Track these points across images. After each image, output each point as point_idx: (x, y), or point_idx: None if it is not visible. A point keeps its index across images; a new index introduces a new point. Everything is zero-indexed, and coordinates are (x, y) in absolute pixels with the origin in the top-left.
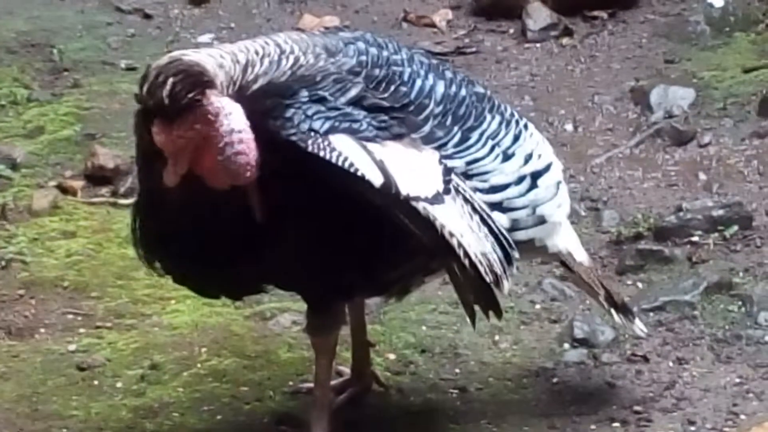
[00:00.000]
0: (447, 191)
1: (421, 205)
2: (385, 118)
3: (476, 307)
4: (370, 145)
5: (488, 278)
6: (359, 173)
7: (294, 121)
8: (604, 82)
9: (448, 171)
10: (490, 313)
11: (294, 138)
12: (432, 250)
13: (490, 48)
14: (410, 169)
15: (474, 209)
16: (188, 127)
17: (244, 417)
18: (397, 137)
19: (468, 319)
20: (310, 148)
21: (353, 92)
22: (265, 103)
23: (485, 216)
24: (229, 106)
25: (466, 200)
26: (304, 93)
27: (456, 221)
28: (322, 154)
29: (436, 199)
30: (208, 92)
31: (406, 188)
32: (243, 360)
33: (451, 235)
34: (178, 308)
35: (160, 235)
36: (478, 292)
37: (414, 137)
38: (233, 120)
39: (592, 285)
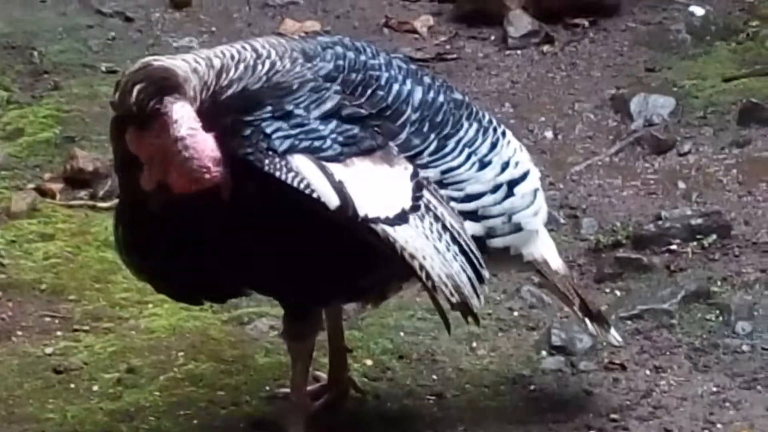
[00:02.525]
0: (415, 209)
1: (380, 227)
2: (356, 132)
3: (454, 313)
4: (331, 166)
5: (453, 299)
6: (315, 195)
7: (252, 139)
8: (584, 90)
9: (419, 187)
10: (469, 318)
11: (251, 157)
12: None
13: (470, 54)
14: (372, 189)
15: (444, 227)
16: (156, 134)
17: (221, 422)
18: (366, 152)
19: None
20: (266, 168)
21: (329, 104)
22: (226, 120)
23: (455, 234)
24: (178, 112)
25: (436, 218)
26: (268, 108)
27: (418, 243)
28: (278, 174)
29: (400, 218)
30: (165, 99)
31: (364, 209)
32: (220, 364)
33: (412, 257)
34: (156, 312)
35: (141, 241)
36: (451, 305)
37: (387, 150)
38: (180, 127)
39: (567, 294)
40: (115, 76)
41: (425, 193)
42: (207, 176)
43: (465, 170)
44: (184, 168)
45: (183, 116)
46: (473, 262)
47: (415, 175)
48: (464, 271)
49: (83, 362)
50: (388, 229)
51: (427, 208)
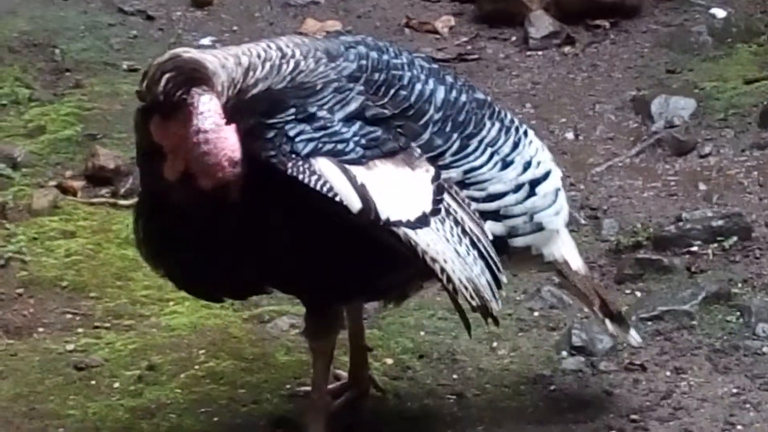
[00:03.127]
0: (435, 212)
1: (401, 231)
2: (379, 134)
3: (473, 315)
4: (353, 169)
5: (473, 303)
6: (338, 198)
7: (275, 142)
8: (605, 91)
9: (440, 190)
10: (489, 320)
11: (274, 160)
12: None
13: (491, 55)
14: (394, 192)
15: (464, 231)
16: (181, 123)
17: (241, 419)
18: (388, 155)
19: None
20: (289, 171)
21: (353, 106)
22: (250, 121)
23: (475, 239)
24: (205, 105)
25: (456, 222)
26: (291, 111)
27: (439, 246)
28: (301, 177)
29: (421, 221)
30: (193, 90)
31: (386, 213)
32: (240, 362)
33: (433, 260)
34: (177, 310)
35: (162, 236)
36: (471, 308)
37: (409, 152)
38: (204, 120)
39: (587, 294)
40: (136, 74)
41: (446, 196)
42: (219, 174)
43: (487, 170)
44: (199, 162)
45: (209, 109)
46: (491, 266)
47: (436, 177)
48: (483, 275)
49: (104, 359)
50: (410, 232)
51: (447, 212)
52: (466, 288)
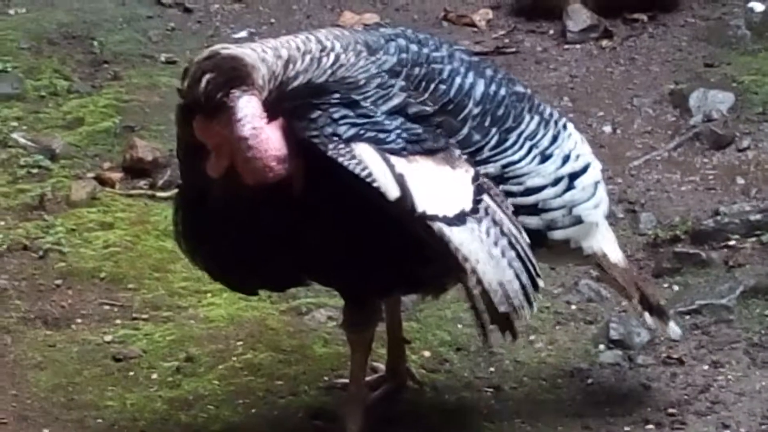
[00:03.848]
0: (474, 211)
1: (437, 225)
2: (420, 132)
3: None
4: (393, 158)
5: (502, 308)
6: (375, 184)
7: (318, 123)
8: (643, 85)
9: (480, 190)
10: (506, 333)
11: (315, 140)
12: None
13: (529, 48)
14: (433, 186)
15: (502, 232)
16: (224, 124)
17: (279, 411)
18: (429, 152)
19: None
20: (329, 153)
21: (395, 101)
22: (294, 102)
23: (513, 240)
24: (243, 109)
25: (494, 222)
26: (336, 95)
27: (473, 246)
28: (340, 159)
29: (458, 219)
30: (231, 93)
31: (423, 205)
32: (278, 354)
33: (465, 259)
34: (214, 301)
35: (202, 229)
36: (493, 316)
37: (450, 152)
38: (243, 127)
39: (626, 287)
40: (174, 66)
41: (485, 197)
42: (270, 174)
43: (526, 164)
44: (248, 165)
45: (247, 114)
46: (529, 269)
47: (476, 178)
48: (518, 278)
49: (142, 350)
50: (445, 228)
51: (486, 212)
52: (496, 292)
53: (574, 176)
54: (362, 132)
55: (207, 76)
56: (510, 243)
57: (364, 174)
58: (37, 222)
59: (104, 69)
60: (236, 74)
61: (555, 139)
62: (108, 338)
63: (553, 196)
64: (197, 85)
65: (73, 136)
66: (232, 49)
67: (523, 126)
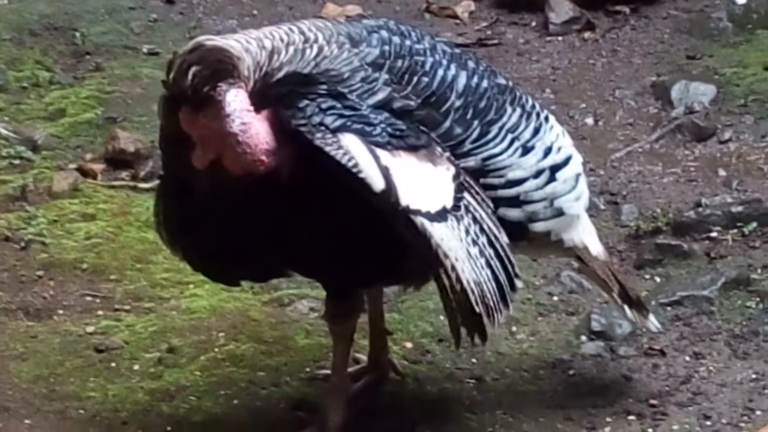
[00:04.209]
0: (455, 209)
1: (419, 220)
2: (404, 128)
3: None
4: (378, 151)
5: (478, 309)
6: (361, 175)
7: (306, 112)
8: (625, 77)
9: (461, 188)
10: (475, 336)
11: (303, 129)
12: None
13: (511, 40)
14: (416, 181)
15: (481, 230)
16: (210, 117)
17: (261, 402)
18: (411, 149)
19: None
20: (316, 142)
21: (380, 95)
22: (281, 90)
23: (492, 237)
24: (231, 104)
25: (474, 220)
26: (324, 86)
27: (453, 243)
28: (327, 149)
29: (439, 215)
30: (218, 87)
31: (406, 199)
32: (260, 345)
33: (446, 256)
34: (197, 293)
35: (184, 220)
36: (465, 316)
37: (431, 149)
38: (232, 122)
39: (606, 280)
40: (156, 58)
41: (466, 195)
42: (261, 167)
43: (507, 156)
44: (239, 159)
45: (236, 109)
46: (507, 268)
47: (457, 176)
48: (495, 278)
49: (124, 341)
50: (426, 223)
51: (467, 210)
52: (473, 291)
53: (555, 168)
54: (349, 123)
55: (193, 69)
56: (489, 241)
57: (350, 164)
58: (19, 213)
59: (86, 60)
60: (222, 66)
61: (537, 131)
62: (90, 329)
63: (535, 188)
64: (183, 77)
65: (55, 128)
66: (217, 41)
67: (504, 118)
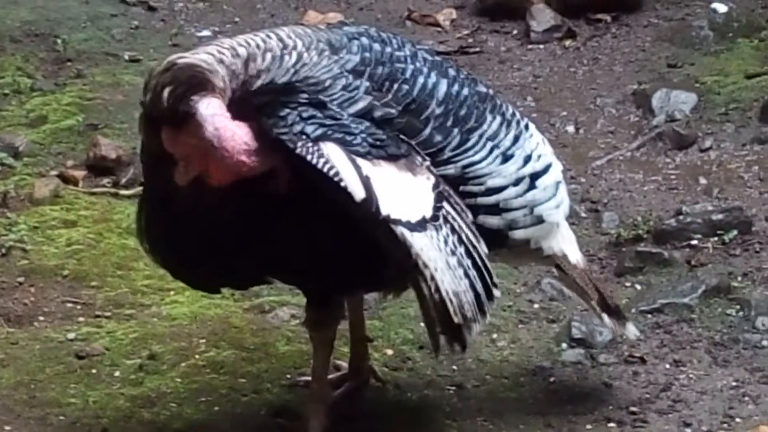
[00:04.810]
0: (434, 218)
1: (399, 230)
2: (384, 137)
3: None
4: (359, 160)
5: (456, 319)
6: (342, 184)
7: (287, 120)
8: (606, 85)
9: (440, 198)
10: (455, 344)
11: (284, 137)
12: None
13: (493, 48)
14: (397, 190)
15: (460, 240)
16: (191, 133)
17: (242, 409)
18: (392, 158)
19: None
20: (298, 150)
21: (361, 104)
22: (262, 100)
23: (471, 248)
24: (204, 112)
25: (453, 230)
26: (304, 95)
27: (432, 254)
28: (309, 158)
29: (419, 225)
30: (192, 101)
31: (387, 209)
32: (241, 352)
33: (425, 266)
34: (177, 299)
35: (164, 230)
36: (444, 325)
37: (411, 159)
38: (206, 129)
39: (585, 288)
40: (137, 64)
41: (445, 204)
42: (244, 169)
43: (487, 164)
44: (220, 164)
45: (208, 114)
46: (485, 277)
47: (437, 186)
48: (473, 288)
49: (105, 348)
50: (407, 233)
51: (446, 220)
52: (451, 301)
53: (535, 176)
54: (330, 132)
55: (167, 90)
56: (467, 251)
57: (331, 173)
58: (0, 220)
59: (68, 67)
60: (195, 82)
61: (517, 139)
62: (71, 336)
63: (515, 195)
64: (159, 99)
65: (37, 134)
66: (188, 58)
67: (485, 126)
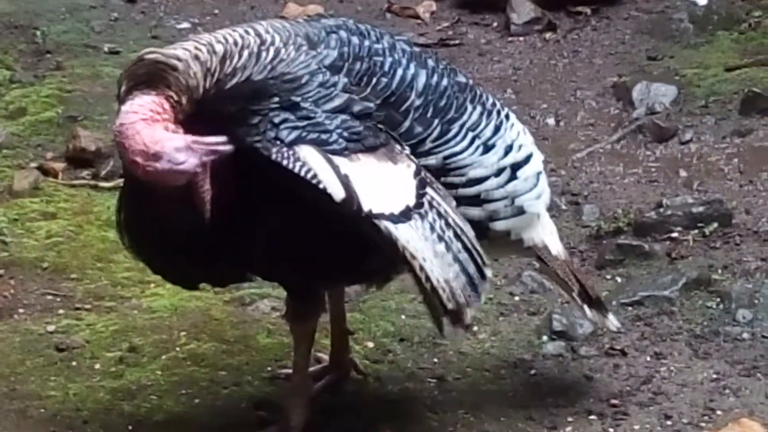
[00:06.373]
0: (419, 206)
1: (383, 224)
2: (360, 129)
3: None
4: (336, 159)
5: (450, 306)
6: (321, 186)
7: (260, 128)
8: (586, 78)
9: (422, 184)
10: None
11: (258, 145)
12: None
13: (473, 40)
14: (377, 184)
15: (447, 224)
16: None
17: (222, 401)
18: (370, 149)
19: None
20: (273, 157)
21: (337, 102)
22: (232, 109)
23: (459, 231)
24: (126, 108)
25: (439, 215)
26: (275, 99)
27: (419, 244)
28: (285, 163)
29: (403, 215)
30: (129, 97)
31: (369, 204)
32: (221, 345)
33: (413, 257)
34: (158, 292)
35: (144, 225)
36: (443, 310)
37: (390, 147)
38: (117, 120)
39: (566, 280)
40: (117, 56)
41: (429, 190)
42: (140, 170)
43: (468, 155)
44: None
45: (123, 112)
46: (476, 259)
47: (418, 172)
48: (465, 271)
49: (85, 340)
50: (391, 226)
51: (431, 205)
52: (443, 290)
53: (516, 167)
54: (304, 134)
55: (124, 84)
56: (456, 234)
57: (309, 176)
58: None
59: (47, 59)
60: (145, 78)
61: (497, 129)
62: (51, 328)
63: (496, 186)
64: (118, 92)
65: (16, 126)
66: (156, 53)
67: (465, 117)
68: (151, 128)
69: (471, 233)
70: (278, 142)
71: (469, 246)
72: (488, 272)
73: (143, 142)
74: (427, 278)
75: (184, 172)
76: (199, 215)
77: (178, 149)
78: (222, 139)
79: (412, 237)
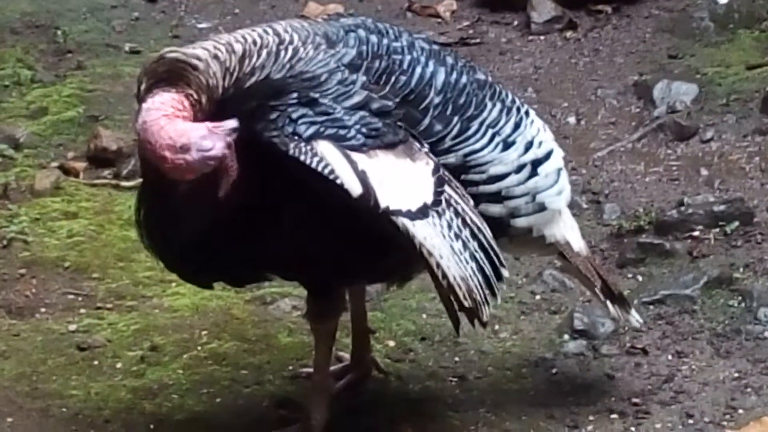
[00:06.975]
0: (436, 203)
1: (400, 221)
2: (379, 125)
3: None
4: (354, 155)
5: (467, 303)
6: (338, 181)
7: (278, 123)
8: (607, 76)
9: (441, 182)
10: (476, 322)
11: (276, 140)
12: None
13: (494, 39)
14: (395, 181)
15: (464, 223)
16: None
17: (244, 400)
18: (389, 146)
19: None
20: (291, 152)
21: (356, 99)
22: (251, 104)
23: (476, 230)
24: (147, 106)
25: (457, 213)
26: (294, 95)
27: (436, 241)
28: (302, 158)
29: (421, 212)
30: (149, 94)
31: (386, 201)
32: (243, 344)
33: (429, 254)
34: (179, 291)
35: (162, 224)
36: (460, 307)
37: (409, 144)
38: (138, 117)
39: (588, 276)
40: (138, 56)
41: (446, 188)
42: (167, 164)
43: (488, 152)
44: (146, 155)
45: (144, 108)
46: (492, 258)
47: (436, 170)
48: (482, 270)
49: (107, 340)
50: (408, 223)
51: (448, 204)
52: (460, 287)
53: (537, 163)
54: (322, 130)
55: (144, 82)
56: (473, 233)
57: (326, 172)
58: (1, 211)
59: (68, 58)
60: (166, 76)
61: (517, 126)
62: (72, 327)
63: (516, 183)
64: (138, 90)
65: (37, 126)
66: (178, 52)
67: (485, 114)
68: (174, 122)
69: (488, 233)
70: (296, 137)
71: (486, 245)
72: (505, 272)
73: (169, 136)
74: (444, 275)
75: (214, 157)
76: (217, 212)
77: (203, 137)
78: (235, 122)
79: (429, 234)
